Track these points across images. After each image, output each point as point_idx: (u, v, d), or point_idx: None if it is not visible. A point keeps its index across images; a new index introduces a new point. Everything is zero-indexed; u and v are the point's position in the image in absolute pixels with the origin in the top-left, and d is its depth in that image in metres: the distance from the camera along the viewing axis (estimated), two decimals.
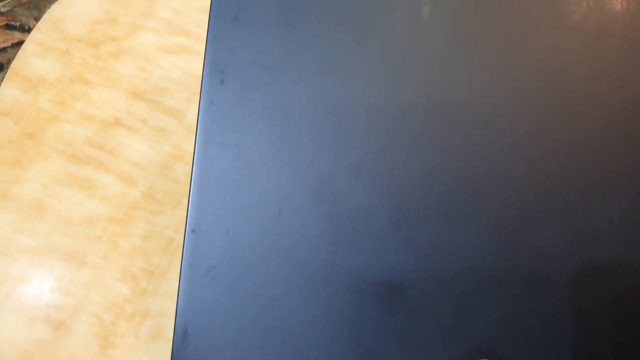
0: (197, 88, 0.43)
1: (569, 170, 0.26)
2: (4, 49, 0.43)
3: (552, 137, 0.26)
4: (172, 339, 0.29)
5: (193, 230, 0.26)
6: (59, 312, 0.36)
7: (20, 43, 0.44)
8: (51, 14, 0.45)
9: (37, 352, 0.35)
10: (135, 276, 0.37)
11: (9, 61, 0.44)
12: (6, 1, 0.46)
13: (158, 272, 0.37)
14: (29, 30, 0.45)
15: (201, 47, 0.45)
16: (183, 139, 0.40)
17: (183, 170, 0.39)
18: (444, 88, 0.27)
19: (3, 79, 0.42)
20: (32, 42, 0.43)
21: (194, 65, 0.44)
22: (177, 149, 0.40)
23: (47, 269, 0.37)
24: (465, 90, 0.27)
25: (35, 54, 0.43)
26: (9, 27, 0.44)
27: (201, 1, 0.47)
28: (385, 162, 0.26)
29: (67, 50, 0.43)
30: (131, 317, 0.36)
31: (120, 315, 0.36)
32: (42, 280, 0.36)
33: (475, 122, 0.26)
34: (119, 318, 0.36)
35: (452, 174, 0.26)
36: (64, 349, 0.35)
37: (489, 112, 0.27)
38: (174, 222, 0.38)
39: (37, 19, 0.45)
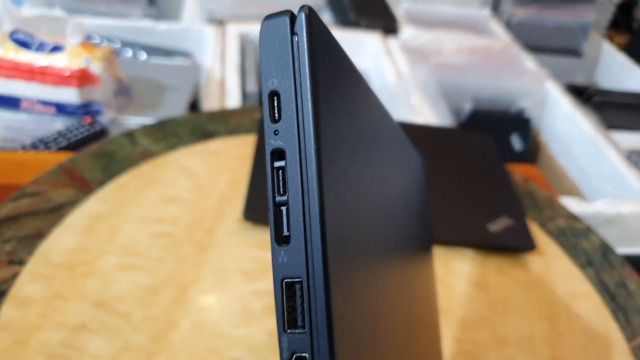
0: (141, 296, 0.59)
1: None
2: (6, 280, 0.61)
3: None
4: None
5: None
6: None
7: (18, 274, 0.62)
8: (41, 248, 0.64)
9: None
10: None
11: (9, 287, 0.61)
12: (10, 243, 0.64)
13: None
14: (24, 263, 0.63)
15: (147, 264, 0.63)
16: (130, 334, 0.56)
17: (127, 358, 0.54)
18: None
19: (4, 302, 0.59)
20: (27, 272, 0.61)
21: (139, 277, 0.61)
22: (125, 343, 0.55)
23: None
24: None
25: (27, 280, 0.61)
26: (11, 262, 0.62)
27: (150, 228, 0.66)
28: None
29: (51, 274, 0.61)
30: None
31: None
32: None
33: None
34: None
35: None
36: None
37: None
38: None
39: (30, 253, 0.64)
